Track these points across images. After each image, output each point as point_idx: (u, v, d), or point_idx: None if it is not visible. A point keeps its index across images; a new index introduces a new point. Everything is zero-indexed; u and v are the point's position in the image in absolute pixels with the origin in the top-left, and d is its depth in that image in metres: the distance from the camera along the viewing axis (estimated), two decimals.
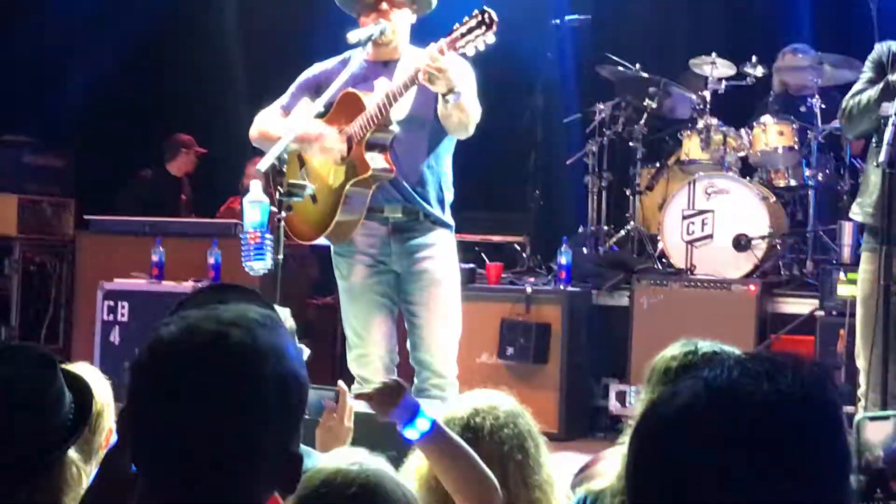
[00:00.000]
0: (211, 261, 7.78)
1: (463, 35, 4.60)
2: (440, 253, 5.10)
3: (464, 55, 4.74)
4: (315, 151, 5.00)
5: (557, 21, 8.72)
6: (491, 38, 4.60)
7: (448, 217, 5.18)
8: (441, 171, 5.14)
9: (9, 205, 9.76)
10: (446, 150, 5.15)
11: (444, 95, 4.70)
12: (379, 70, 5.08)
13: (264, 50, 10.27)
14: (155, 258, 8.02)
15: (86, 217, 9.42)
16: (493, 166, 9.37)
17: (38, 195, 10.04)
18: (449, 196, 5.19)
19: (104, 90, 10.37)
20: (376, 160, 4.91)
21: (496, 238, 8.96)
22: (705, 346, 2.89)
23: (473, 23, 4.58)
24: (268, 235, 4.50)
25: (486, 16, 4.56)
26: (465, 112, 4.80)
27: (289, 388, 1.68)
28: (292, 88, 5.23)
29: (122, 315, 7.92)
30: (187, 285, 7.78)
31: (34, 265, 9.80)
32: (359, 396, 3.13)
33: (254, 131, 5.19)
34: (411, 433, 2.88)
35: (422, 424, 2.86)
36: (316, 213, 5.06)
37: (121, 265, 8.24)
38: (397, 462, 2.83)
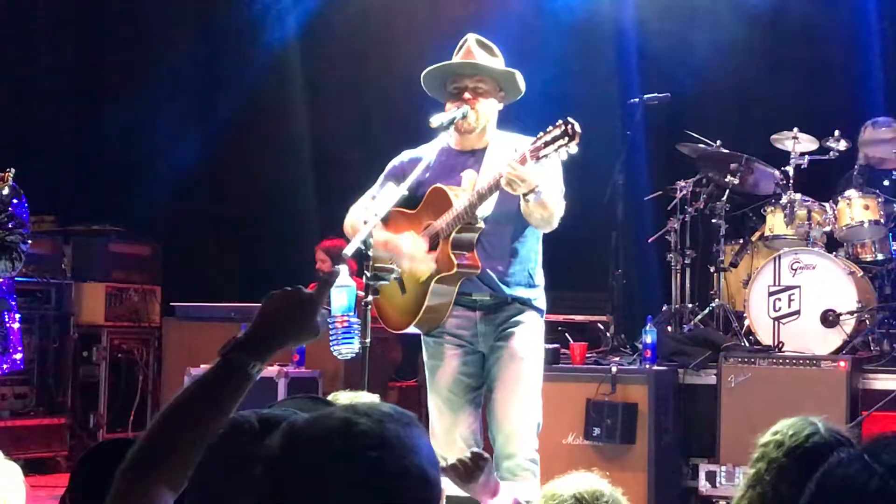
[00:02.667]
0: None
1: (546, 144, 4.64)
2: (524, 331, 5.08)
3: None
4: (403, 263, 5.04)
5: (636, 100, 8.70)
6: (574, 148, 4.62)
7: (539, 301, 5.17)
8: (529, 257, 5.15)
9: (97, 293, 9.92)
10: (535, 238, 5.16)
11: (524, 195, 4.74)
12: (465, 160, 5.12)
13: (338, 142, 10.42)
14: None
15: (171, 304, 9.54)
16: (574, 246, 9.34)
17: (125, 283, 10.19)
18: (539, 280, 5.19)
19: (188, 180, 10.56)
20: (462, 257, 4.95)
21: (579, 318, 8.91)
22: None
23: (557, 132, 4.62)
24: (354, 319, 4.52)
25: (569, 127, 4.58)
26: (547, 209, 4.83)
27: (412, 484, 1.72)
28: (381, 177, 5.29)
29: None
30: (272, 370, 7.82)
31: (121, 352, 9.93)
32: (444, 470, 3.14)
33: (346, 225, 5.23)
34: None
35: (505, 499, 2.92)
36: (405, 303, 5.10)
37: (207, 351, 8.23)
38: None
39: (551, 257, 8.36)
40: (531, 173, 4.66)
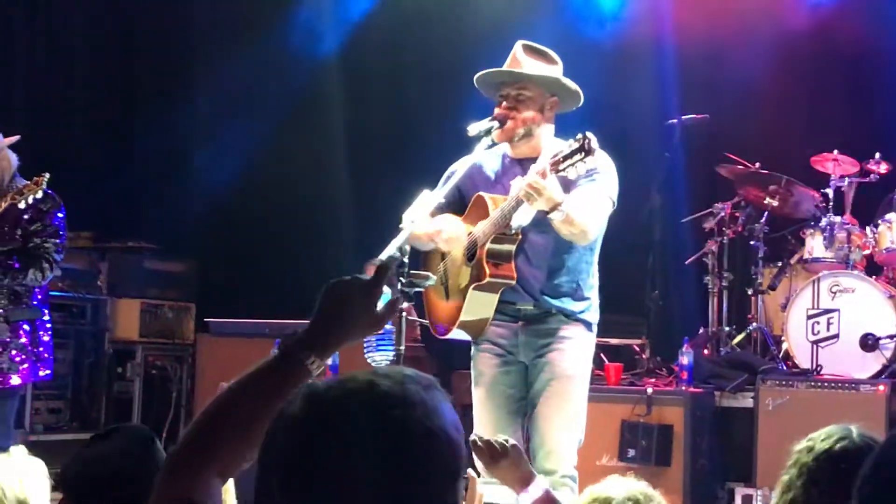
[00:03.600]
0: (328, 361, 7.75)
1: (564, 158, 4.63)
2: (570, 346, 5.04)
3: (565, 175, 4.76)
4: (441, 244, 5.08)
5: (675, 120, 8.66)
6: (590, 162, 4.61)
7: (588, 314, 5.12)
8: (579, 268, 5.09)
9: (132, 310, 9.92)
10: (587, 251, 5.10)
11: (547, 213, 4.72)
12: (516, 168, 5.09)
13: (376, 159, 10.41)
14: None
15: (206, 320, 9.54)
16: (610, 267, 9.27)
17: (160, 300, 10.20)
18: (591, 293, 5.13)
19: (224, 197, 10.56)
20: (496, 267, 4.94)
21: (614, 341, 8.84)
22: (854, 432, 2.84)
23: (576, 146, 4.61)
24: (389, 327, 4.50)
25: (586, 142, 4.58)
26: (574, 226, 4.78)
27: (437, 445, 1.70)
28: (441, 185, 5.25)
29: None
30: None
31: (155, 369, 9.91)
32: (473, 444, 3.17)
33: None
34: (525, 499, 2.97)
35: (535, 491, 2.99)
36: (450, 309, 5.12)
37: (240, 367, 8.18)
38: None
39: None
40: (552, 189, 4.64)
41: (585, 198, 4.86)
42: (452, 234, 5.05)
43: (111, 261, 10.15)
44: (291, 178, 10.70)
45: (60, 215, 6.32)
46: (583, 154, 4.57)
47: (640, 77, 9.83)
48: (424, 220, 4.94)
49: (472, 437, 3.28)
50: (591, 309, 5.14)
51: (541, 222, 4.91)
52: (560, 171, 4.64)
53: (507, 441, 3.12)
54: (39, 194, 5.93)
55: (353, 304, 2.13)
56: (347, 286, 2.15)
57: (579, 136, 4.62)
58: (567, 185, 4.81)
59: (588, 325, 5.12)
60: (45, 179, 5.95)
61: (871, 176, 8.15)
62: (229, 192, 10.55)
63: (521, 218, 4.86)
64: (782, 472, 2.87)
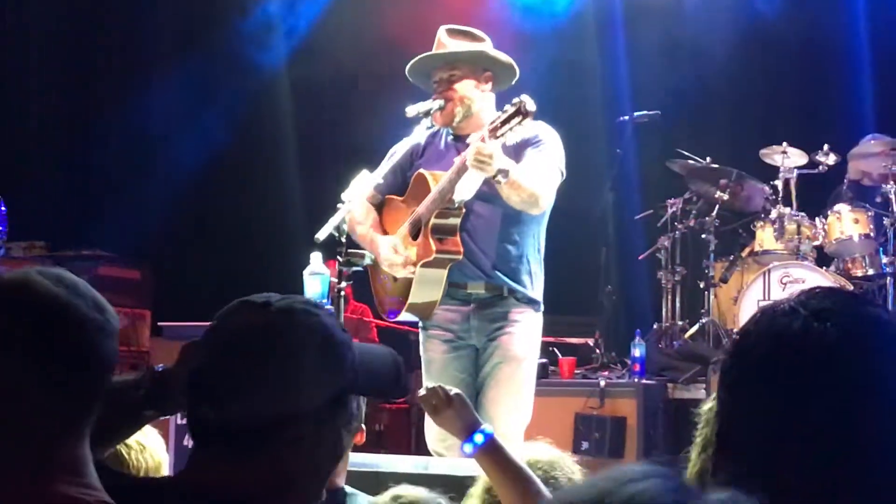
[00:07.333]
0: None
1: (502, 123, 4.62)
2: (520, 330, 5.00)
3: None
4: (383, 265, 5.06)
5: (626, 117, 8.68)
6: (527, 124, 4.61)
7: (536, 293, 5.07)
8: (527, 245, 5.05)
9: None
10: (534, 223, 5.05)
11: (493, 178, 4.69)
12: (461, 146, 5.06)
13: (326, 161, 10.36)
14: None
15: (159, 324, 9.47)
16: (564, 266, 9.28)
17: (115, 307, 10.05)
18: (538, 269, 5.09)
19: (177, 203, 10.51)
20: (441, 242, 4.90)
21: (570, 340, 8.83)
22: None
23: (512, 110, 4.61)
24: (328, 307, 4.47)
25: (522, 105, 4.58)
26: (523, 190, 4.75)
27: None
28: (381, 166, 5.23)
29: None
30: None
31: None
32: (421, 398, 3.15)
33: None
34: (468, 447, 3.01)
35: (478, 438, 2.99)
36: (397, 291, 5.08)
37: None
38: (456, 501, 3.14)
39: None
40: (495, 153, 4.62)
41: (533, 165, 4.84)
42: (387, 256, 5.03)
43: (65, 268, 10.04)
44: (241, 182, 10.67)
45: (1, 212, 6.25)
46: (520, 117, 4.56)
47: (592, 74, 9.86)
48: (362, 203, 4.93)
49: (420, 390, 3.26)
50: (539, 288, 5.10)
51: (487, 195, 4.90)
52: (499, 136, 4.62)
53: (450, 391, 3.11)
54: None
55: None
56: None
57: (515, 100, 4.62)
58: (513, 155, 4.81)
59: (537, 304, 5.08)
60: None
61: (820, 167, 8.18)
62: (181, 196, 10.50)
63: (464, 191, 4.84)
64: (696, 434, 2.81)
